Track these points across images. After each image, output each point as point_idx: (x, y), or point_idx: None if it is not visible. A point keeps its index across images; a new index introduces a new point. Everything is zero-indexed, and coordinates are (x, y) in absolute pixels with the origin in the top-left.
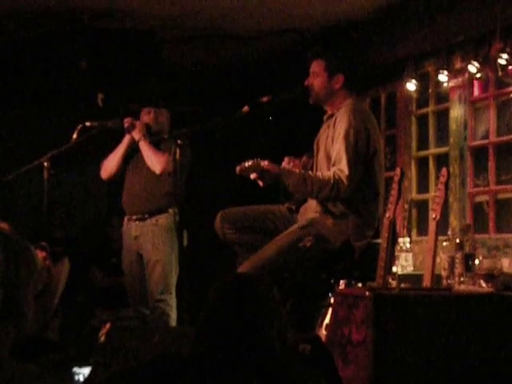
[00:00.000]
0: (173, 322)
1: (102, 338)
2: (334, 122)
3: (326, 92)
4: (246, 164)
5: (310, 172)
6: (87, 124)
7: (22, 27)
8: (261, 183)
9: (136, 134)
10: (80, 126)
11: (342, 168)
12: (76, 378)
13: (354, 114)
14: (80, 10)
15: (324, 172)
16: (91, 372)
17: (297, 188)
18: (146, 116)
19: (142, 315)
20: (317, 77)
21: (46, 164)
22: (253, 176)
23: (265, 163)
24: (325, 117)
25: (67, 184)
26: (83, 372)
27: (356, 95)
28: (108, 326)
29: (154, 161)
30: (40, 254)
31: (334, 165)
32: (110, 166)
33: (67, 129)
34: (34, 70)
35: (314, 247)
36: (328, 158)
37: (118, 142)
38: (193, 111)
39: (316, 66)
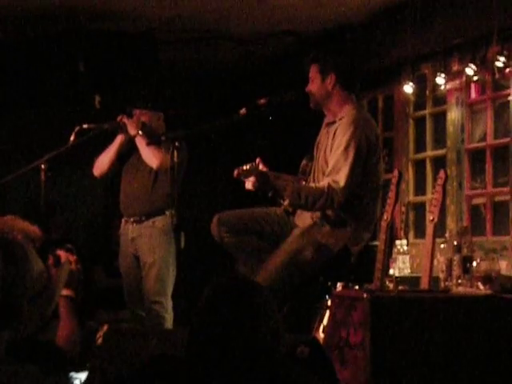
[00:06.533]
0: (168, 325)
1: (99, 340)
2: (335, 132)
3: (322, 94)
4: (244, 167)
5: (303, 184)
6: (84, 126)
7: (20, 29)
8: (250, 187)
9: (132, 130)
10: (77, 128)
11: (338, 180)
12: (73, 382)
13: (355, 124)
14: (77, 12)
15: (317, 183)
16: (88, 376)
17: (291, 201)
18: (142, 116)
19: (139, 317)
20: (313, 81)
21: (43, 166)
22: (247, 183)
23: (263, 169)
24: (325, 121)
25: (64, 186)
26: (80, 377)
27: (355, 97)
28: (105, 327)
29: (152, 155)
30: (71, 258)
31: (329, 174)
32: (101, 163)
33: (64, 131)
34: (31, 71)
35: (315, 257)
36: (326, 165)
37: None
38: (187, 113)
39: (312, 72)
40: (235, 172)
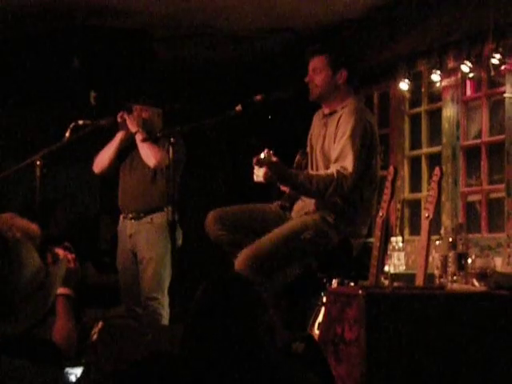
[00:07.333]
0: (165, 321)
1: (95, 337)
2: (338, 121)
3: (330, 88)
4: (262, 155)
5: (312, 171)
6: (80, 122)
7: (15, 25)
8: (260, 179)
9: (133, 127)
10: (72, 125)
11: (346, 165)
12: (68, 378)
13: (359, 113)
14: (73, 8)
15: (325, 170)
16: (83, 372)
17: (302, 188)
18: (143, 113)
19: (134, 313)
20: (319, 73)
21: (38, 162)
22: (256, 175)
23: (275, 158)
24: (319, 114)
25: (59, 182)
26: (75, 372)
27: (354, 92)
28: (100, 324)
29: (150, 154)
30: (69, 256)
31: (336, 161)
32: (102, 160)
33: (60, 127)
34: (26, 68)
35: (313, 240)
36: (325, 156)
37: (111, 140)
38: (183, 109)
39: (318, 63)
40: (254, 160)
